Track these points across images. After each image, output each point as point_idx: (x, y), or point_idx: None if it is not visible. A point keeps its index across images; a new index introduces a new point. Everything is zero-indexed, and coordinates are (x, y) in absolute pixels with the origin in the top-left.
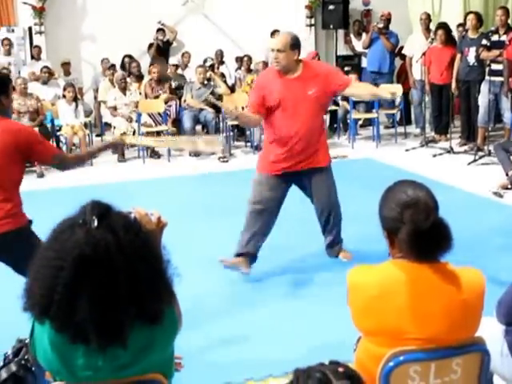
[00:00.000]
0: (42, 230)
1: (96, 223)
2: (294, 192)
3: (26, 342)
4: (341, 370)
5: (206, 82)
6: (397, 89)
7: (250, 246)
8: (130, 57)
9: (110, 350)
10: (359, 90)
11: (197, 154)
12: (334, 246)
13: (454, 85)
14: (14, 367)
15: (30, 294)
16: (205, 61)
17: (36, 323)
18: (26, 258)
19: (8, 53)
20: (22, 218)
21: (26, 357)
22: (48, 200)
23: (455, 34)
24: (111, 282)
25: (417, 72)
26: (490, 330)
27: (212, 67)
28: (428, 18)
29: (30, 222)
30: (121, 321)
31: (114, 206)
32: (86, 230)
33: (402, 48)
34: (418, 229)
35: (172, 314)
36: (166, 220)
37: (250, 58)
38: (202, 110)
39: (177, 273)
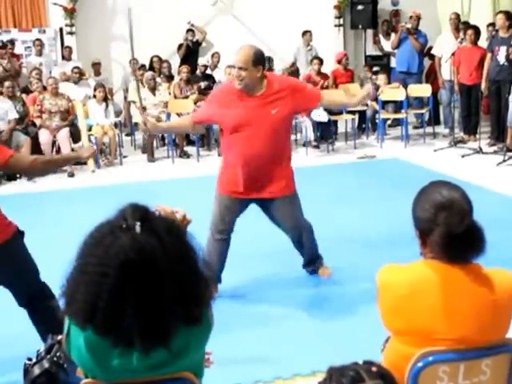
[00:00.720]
0: (74, 227)
1: (139, 228)
2: None
3: (58, 339)
4: (374, 369)
5: None
6: (368, 89)
7: (219, 272)
8: (158, 57)
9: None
10: (330, 99)
11: None
12: (311, 263)
13: (483, 84)
14: (46, 364)
15: (72, 300)
16: None
17: (72, 323)
18: (12, 271)
19: (39, 53)
20: (8, 228)
21: (58, 354)
22: (78, 199)
23: (485, 33)
24: (157, 286)
25: (446, 72)
26: None
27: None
28: (457, 18)
29: (22, 233)
30: (166, 324)
31: (150, 208)
32: (131, 236)
33: (430, 48)
34: (452, 232)
35: (207, 314)
36: (190, 217)
37: (270, 60)
38: None
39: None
